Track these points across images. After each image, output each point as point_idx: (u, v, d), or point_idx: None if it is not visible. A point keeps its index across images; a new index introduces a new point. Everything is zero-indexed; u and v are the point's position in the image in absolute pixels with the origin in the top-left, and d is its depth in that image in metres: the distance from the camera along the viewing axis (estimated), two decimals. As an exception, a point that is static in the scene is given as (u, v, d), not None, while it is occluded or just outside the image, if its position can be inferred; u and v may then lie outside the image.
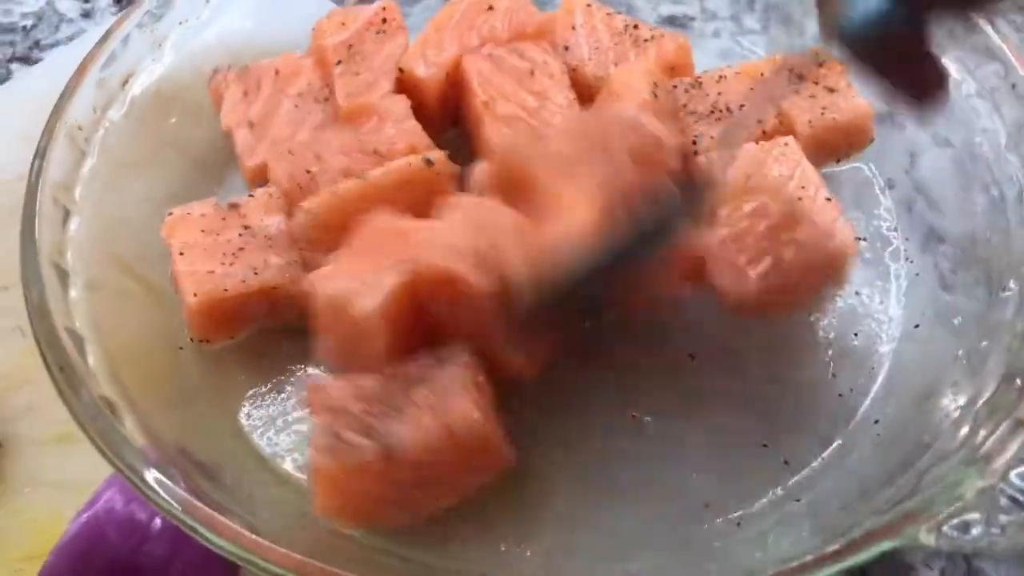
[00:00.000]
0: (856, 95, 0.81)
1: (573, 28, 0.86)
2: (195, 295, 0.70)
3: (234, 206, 0.75)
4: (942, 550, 0.58)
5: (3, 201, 0.85)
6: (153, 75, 0.82)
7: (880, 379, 0.72)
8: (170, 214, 0.75)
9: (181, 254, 0.72)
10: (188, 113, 0.85)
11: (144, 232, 0.75)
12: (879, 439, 0.68)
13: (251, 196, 0.76)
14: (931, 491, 0.56)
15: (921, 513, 0.54)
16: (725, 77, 0.83)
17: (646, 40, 0.84)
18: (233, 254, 0.73)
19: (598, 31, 0.86)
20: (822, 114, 0.80)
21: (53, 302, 0.65)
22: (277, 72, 0.83)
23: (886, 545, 0.53)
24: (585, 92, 0.81)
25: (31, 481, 0.73)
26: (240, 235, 0.74)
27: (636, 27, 0.85)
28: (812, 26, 0.90)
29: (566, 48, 0.84)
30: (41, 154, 0.72)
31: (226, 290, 0.71)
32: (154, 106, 0.82)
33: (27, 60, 1.00)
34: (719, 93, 0.81)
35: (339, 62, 0.82)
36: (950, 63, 0.79)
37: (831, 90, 0.82)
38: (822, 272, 0.71)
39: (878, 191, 0.84)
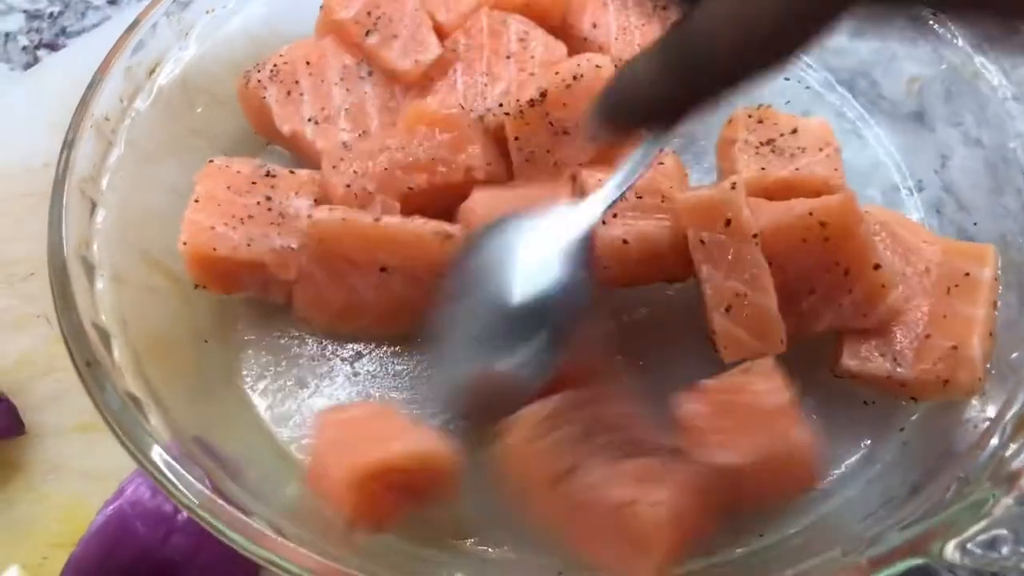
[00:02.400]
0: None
1: (605, 4, 0.84)
2: (185, 243, 0.71)
3: (271, 175, 0.74)
4: (967, 568, 0.57)
5: (30, 188, 0.85)
6: (180, 64, 0.82)
7: (907, 386, 0.71)
8: (211, 161, 0.74)
9: (196, 201, 0.72)
10: (215, 102, 0.84)
11: (171, 223, 0.74)
12: (904, 448, 0.68)
13: (292, 172, 0.75)
14: (957, 507, 0.55)
15: (946, 530, 0.53)
16: None
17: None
18: (241, 219, 0.72)
19: (627, 11, 0.84)
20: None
21: (80, 296, 0.65)
22: (308, 63, 0.81)
23: (909, 563, 0.53)
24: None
25: (56, 469, 0.73)
26: (258, 203, 0.73)
27: (665, 8, 0.84)
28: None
29: (594, 25, 0.83)
30: (69, 146, 0.71)
31: (214, 249, 0.70)
32: (181, 96, 0.82)
33: (54, 47, 1.00)
34: None
35: (368, 32, 0.81)
36: (987, 64, 0.78)
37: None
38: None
39: (907, 192, 0.83)
